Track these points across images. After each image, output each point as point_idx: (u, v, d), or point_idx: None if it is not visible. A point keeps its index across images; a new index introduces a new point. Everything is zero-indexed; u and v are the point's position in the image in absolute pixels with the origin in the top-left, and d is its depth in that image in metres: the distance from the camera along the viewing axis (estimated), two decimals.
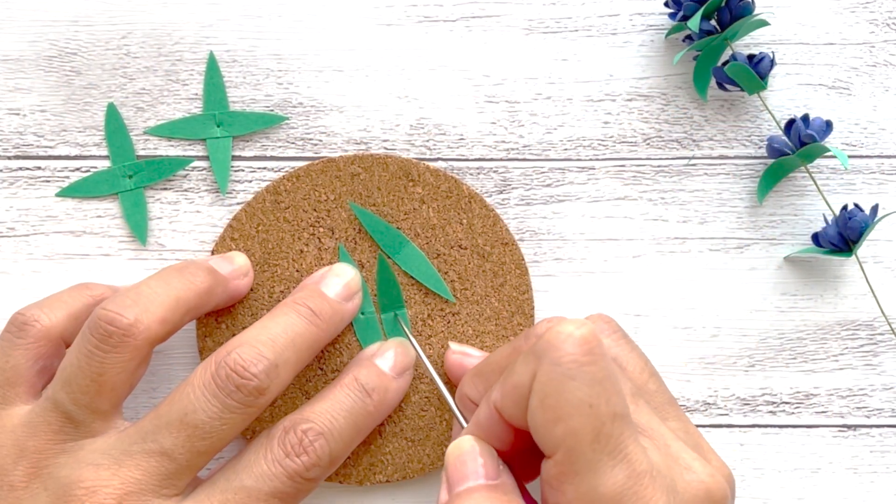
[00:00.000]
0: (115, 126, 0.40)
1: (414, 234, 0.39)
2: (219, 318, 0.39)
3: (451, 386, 0.38)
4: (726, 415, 0.40)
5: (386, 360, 0.37)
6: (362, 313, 0.39)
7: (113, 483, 0.32)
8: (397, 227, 0.39)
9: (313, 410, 0.35)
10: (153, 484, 0.32)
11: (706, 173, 0.40)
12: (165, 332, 0.34)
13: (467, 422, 0.34)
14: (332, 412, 0.35)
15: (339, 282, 0.37)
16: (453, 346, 0.38)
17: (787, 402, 0.40)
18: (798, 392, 0.40)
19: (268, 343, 0.34)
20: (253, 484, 0.33)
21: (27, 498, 0.32)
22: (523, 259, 0.39)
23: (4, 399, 0.34)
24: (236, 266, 0.38)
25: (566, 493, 0.28)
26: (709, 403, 0.40)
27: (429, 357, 0.39)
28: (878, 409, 0.40)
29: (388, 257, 0.39)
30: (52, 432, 0.33)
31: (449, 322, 0.39)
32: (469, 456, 0.31)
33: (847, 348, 0.40)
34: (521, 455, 0.32)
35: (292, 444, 0.33)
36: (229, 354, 0.33)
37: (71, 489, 0.32)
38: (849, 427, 0.40)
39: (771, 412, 0.40)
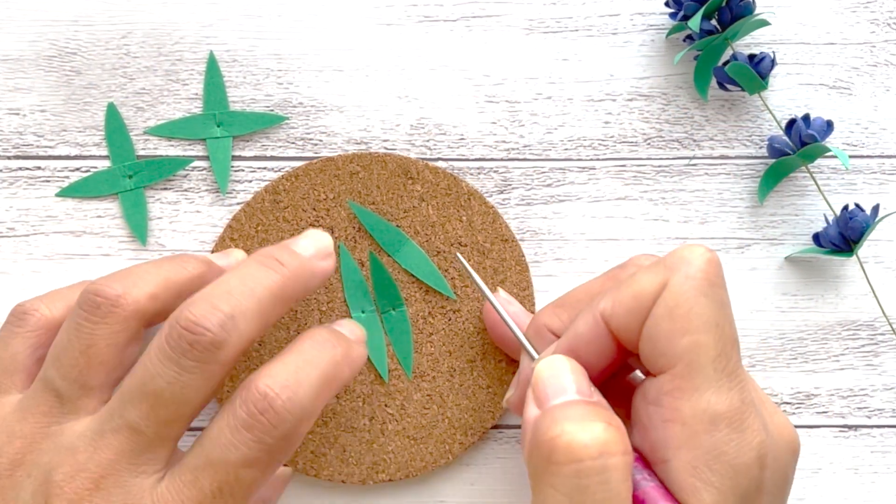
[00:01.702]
0: (114, 126, 0.40)
1: (414, 231, 0.39)
2: None
3: (491, 337, 0.38)
4: None
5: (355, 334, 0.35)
6: (362, 311, 0.39)
7: (89, 466, 0.31)
8: (397, 226, 0.39)
9: (270, 366, 0.32)
10: (126, 462, 0.31)
11: (707, 173, 0.40)
12: (154, 309, 0.33)
13: (538, 353, 0.34)
14: (291, 363, 0.32)
15: (309, 242, 0.35)
16: (502, 292, 0.38)
17: (787, 403, 0.40)
18: (799, 392, 0.40)
19: (222, 296, 0.31)
20: (220, 455, 0.30)
21: (10, 487, 0.32)
22: (523, 256, 0.39)
23: (1, 387, 0.34)
24: (233, 259, 0.37)
25: (680, 408, 0.29)
26: None
27: (429, 355, 0.39)
28: (878, 410, 0.40)
29: (388, 255, 0.39)
30: (41, 414, 0.32)
31: (450, 319, 0.39)
32: (562, 371, 0.31)
33: (848, 348, 0.40)
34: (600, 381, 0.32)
35: (255, 401, 0.30)
36: (181, 313, 0.30)
37: (51, 475, 0.31)
38: (850, 427, 0.40)
39: None
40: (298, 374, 0.31)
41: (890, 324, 0.40)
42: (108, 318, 0.32)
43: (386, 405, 0.38)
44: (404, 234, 0.39)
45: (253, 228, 0.39)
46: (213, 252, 0.39)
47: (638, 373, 0.36)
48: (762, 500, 0.29)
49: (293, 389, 0.30)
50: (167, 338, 0.30)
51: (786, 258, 0.40)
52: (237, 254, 0.38)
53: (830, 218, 0.40)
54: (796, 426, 0.40)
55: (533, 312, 0.39)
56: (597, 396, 0.31)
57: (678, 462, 0.29)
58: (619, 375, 0.35)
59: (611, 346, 0.31)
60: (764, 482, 0.29)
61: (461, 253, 0.39)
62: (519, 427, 0.40)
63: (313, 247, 0.34)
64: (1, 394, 0.34)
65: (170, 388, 0.30)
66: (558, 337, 0.33)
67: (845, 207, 0.39)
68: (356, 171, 0.39)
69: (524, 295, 0.39)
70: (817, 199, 0.40)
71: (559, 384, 0.30)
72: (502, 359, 0.39)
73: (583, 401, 0.30)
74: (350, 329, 0.35)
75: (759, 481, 0.29)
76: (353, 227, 0.39)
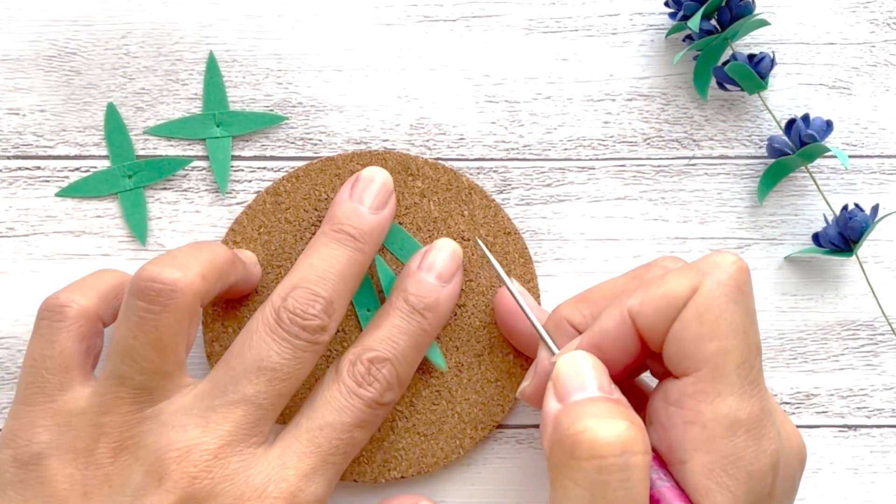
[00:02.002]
0: (114, 126, 0.40)
1: (416, 228, 0.39)
2: (225, 322, 0.38)
3: (501, 328, 0.38)
4: None
5: (432, 272, 0.37)
6: (368, 309, 0.38)
7: (205, 440, 0.32)
8: (399, 223, 0.39)
9: (374, 338, 0.36)
10: (243, 433, 0.33)
11: (706, 173, 0.40)
12: (207, 289, 0.34)
13: (559, 348, 0.34)
14: (391, 338, 0.36)
15: (371, 190, 0.37)
16: (516, 283, 0.38)
17: (787, 403, 0.40)
18: (798, 392, 0.40)
19: (318, 282, 0.35)
20: (336, 418, 0.34)
21: (117, 473, 0.32)
22: (527, 248, 0.39)
23: (62, 385, 0.33)
24: (246, 256, 0.38)
25: (702, 411, 0.29)
26: None
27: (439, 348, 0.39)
28: (878, 410, 0.40)
29: (391, 254, 0.39)
30: (127, 404, 0.33)
31: (456, 314, 0.39)
32: (584, 367, 0.31)
33: (847, 348, 0.40)
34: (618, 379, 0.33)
35: (361, 374, 0.35)
36: (286, 300, 0.34)
37: (164, 454, 0.32)
38: (849, 427, 0.40)
39: None
40: (396, 346, 0.35)
41: (889, 324, 0.40)
42: (170, 306, 0.32)
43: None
44: (406, 231, 0.39)
45: (255, 231, 0.39)
46: None
47: (645, 376, 0.36)
48: None
49: (392, 363, 0.35)
50: (278, 321, 0.34)
51: (785, 258, 0.40)
52: (246, 253, 0.38)
53: (830, 218, 0.40)
54: (797, 426, 0.40)
55: (539, 304, 0.39)
56: (617, 394, 0.31)
57: (695, 464, 0.29)
58: (629, 377, 0.35)
59: (635, 344, 0.32)
60: (775, 489, 0.30)
61: (465, 247, 0.39)
62: (521, 427, 0.40)
63: (374, 193, 0.37)
64: (66, 390, 0.34)
65: (286, 363, 0.33)
66: (578, 332, 0.34)
67: (845, 207, 0.39)
68: (356, 169, 0.39)
69: (529, 287, 0.39)
70: (817, 198, 0.40)
71: (580, 380, 0.31)
72: (510, 352, 0.39)
73: (605, 398, 0.30)
74: (440, 272, 0.37)
75: (770, 488, 0.30)
76: None
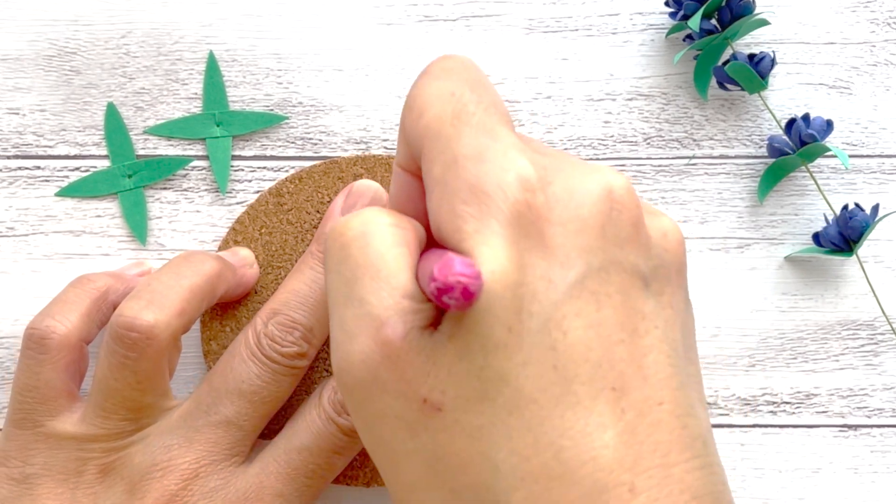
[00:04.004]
0: (114, 125, 0.40)
1: None
2: (223, 321, 0.38)
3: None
4: (727, 415, 0.40)
5: None
6: None
7: (187, 458, 0.34)
8: None
9: None
10: (224, 453, 0.34)
11: (706, 173, 0.40)
12: (184, 323, 0.34)
13: None
14: None
15: (362, 206, 0.37)
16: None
17: (787, 402, 0.40)
18: (799, 392, 0.40)
19: (298, 308, 0.35)
20: (314, 443, 0.35)
21: (103, 490, 0.34)
22: None
23: (50, 411, 0.35)
24: (241, 257, 0.38)
25: (429, 170, 0.26)
26: (709, 403, 0.40)
27: None
28: (878, 409, 0.40)
29: None
30: (113, 432, 0.34)
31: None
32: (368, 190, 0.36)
33: (848, 348, 0.40)
34: None
35: (341, 402, 0.35)
36: (266, 326, 0.35)
37: (147, 473, 0.34)
38: (849, 427, 0.40)
39: (771, 412, 0.40)
40: None
41: (890, 323, 0.40)
42: (147, 352, 0.33)
43: None
44: None
45: (256, 231, 0.39)
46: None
47: None
48: (550, 230, 0.25)
49: None
50: (258, 346, 0.35)
51: (786, 258, 0.40)
52: (242, 251, 0.38)
53: (830, 217, 0.40)
54: (796, 426, 0.40)
55: None
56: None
57: (434, 207, 0.26)
58: None
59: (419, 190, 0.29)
60: (538, 207, 0.25)
61: None
62: None
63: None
64: (54, 415, 0.35)
65: (266, 387, 0.35)
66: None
67: (845, 207, 0.39)
68: (360, 173, 0.39)
69: None
70: (817, 198, 0.40)
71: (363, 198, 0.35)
72: None
73: (377, 208, 0.27)
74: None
75: (527, 205, 0.25)
76: None
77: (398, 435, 0.25)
